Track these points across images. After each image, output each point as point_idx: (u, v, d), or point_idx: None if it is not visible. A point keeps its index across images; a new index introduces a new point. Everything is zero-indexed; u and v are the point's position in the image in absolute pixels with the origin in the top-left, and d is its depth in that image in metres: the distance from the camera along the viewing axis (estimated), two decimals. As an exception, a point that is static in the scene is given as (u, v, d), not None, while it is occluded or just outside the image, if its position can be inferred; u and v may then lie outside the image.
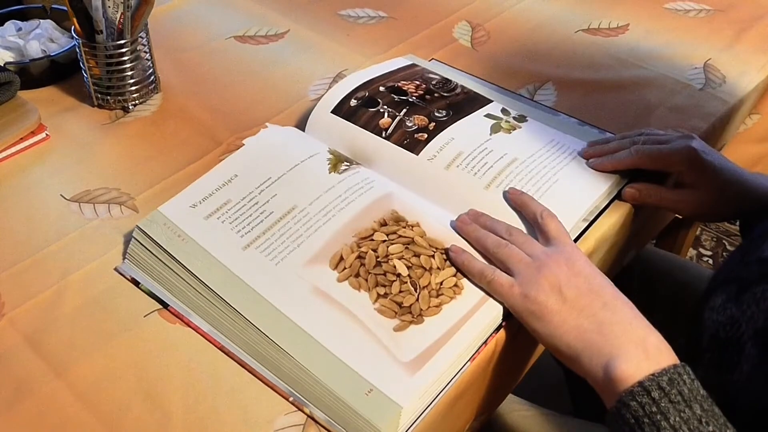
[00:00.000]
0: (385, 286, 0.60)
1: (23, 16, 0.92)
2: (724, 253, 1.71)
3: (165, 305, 0.62)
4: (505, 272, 0.60)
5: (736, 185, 0.70)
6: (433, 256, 0.62)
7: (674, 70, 0.92)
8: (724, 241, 1.74)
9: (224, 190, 0.67)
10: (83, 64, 0.81)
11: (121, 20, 0.78)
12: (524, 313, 0.58)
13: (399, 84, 0.80)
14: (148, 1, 0.80)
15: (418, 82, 0.80)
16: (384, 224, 0.64)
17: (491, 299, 0.60)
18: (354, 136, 0.74)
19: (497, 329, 0.60)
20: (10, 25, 0.89)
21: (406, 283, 0.60)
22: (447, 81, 0.82)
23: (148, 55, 0.84)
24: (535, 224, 0.64)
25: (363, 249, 0.62)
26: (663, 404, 0.49)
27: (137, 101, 0.85)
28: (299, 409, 0.55)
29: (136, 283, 0.63)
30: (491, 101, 0.80)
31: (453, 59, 0.93)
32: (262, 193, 0.67)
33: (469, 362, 0.58)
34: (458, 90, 0.81)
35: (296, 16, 1.01)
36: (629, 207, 0.72)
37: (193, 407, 0.55)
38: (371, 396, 0.54)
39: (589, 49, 0.96)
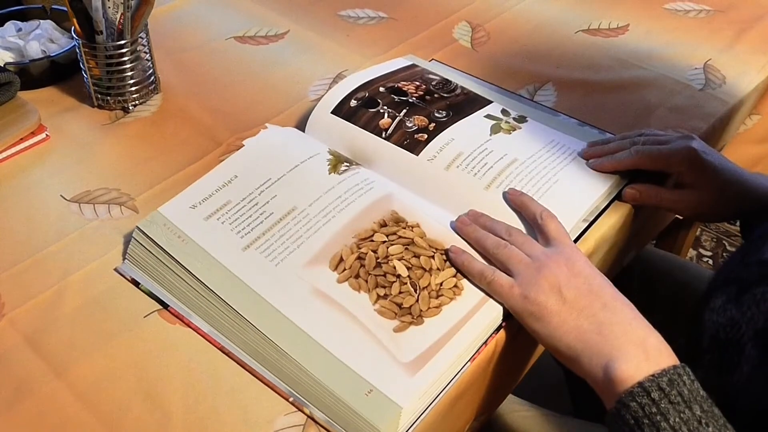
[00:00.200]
0: (385, 287, 0.60)
1: (23, 16, 0.92)
2: (724, 254, 1.71)
3: (165, 306, 0.62)
4: (505, 273, 0.60)
5: (736, 185, 0.70)
6: (433, 257, 0.62)
7: (674, 71, 0.92)
8: (724, 242, 1.74)
9: (224, 190, 0.67)
10: (83, 64, 0.81)
11: (121, 21, 0.78)
12: (524, 313, 0.58)
13: (399, 85, 0.80)
14: (148, 2, 0.80)
15: (418, 83, 0.80)
16: (384, 225, 0.64)
17: (491, 300, 0.60)
18: (354, 136, 0.74)
19: (497, 330, 0.60)
20: (10, 26, 0.89)
21: (406, 284, 0.60)
22: (447, 82, 0.82)
23: (148, 55, 0.84)
24: (535, 225, 0.64)
25: (363, 250, 0.62)
26: (663, 405, 0.49)
27: (137, 102, 0.85)
28: (299, 410, 0.55)
29: (136, 283, 0.63)
30: (491, 102, 0.80)
31: (453, 60, 0.93)
32: (262, 194, 0.67)
33: (469, 363, 0.58)
34: (458, 91, 0.81)
35: (296, 17, 1.01)
36: (629, 207, 0.72)
37: (193, 407, 0.55)
38: (371, 396, 0.54)
39: (589, 49, 0.96)
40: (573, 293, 0.57)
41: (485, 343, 0.60)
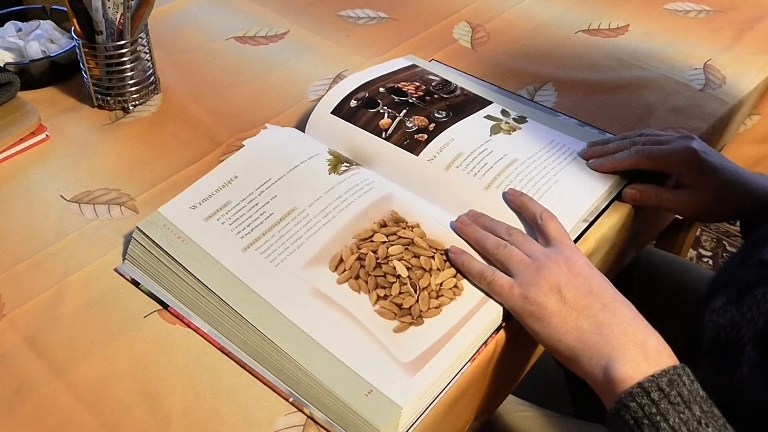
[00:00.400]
0: (384, 287, 0.60)
1: (23, 16, 0.92)
2: (724, 254, 1.71)
3: (165, 306, 0.62)
4: (505, 273, 0.60)
5: (736, 185, 0.70)
6: (433, 257, 0.62)
7: (674, 71, 0.92)
8: (724, 242, 1.74)
9: (224, 191, 0.67)
10: (83, 64, 0.81)
11: (121, 21, 0.78)
12: (524, 314, 0.58)
13: (399, 85, 0.80)
14: (148, 2, 0.80)
15: (418, 84, 0.80)
16: (384, 225, 0.64)
17: (491, 300, 0.60)
18: (354, 136, 0.74)
19: (497, 330, 0.60)
20: (10, 26, 0.89)
21: (406, 284, 0.60)
22: (447, 83, 0.82)
23: (148, 55, 0.84)
24: (535, 225, 0.64)
25: (363, 250, 0.62)
26: (662, 405, 0.49)
27: (137, 102, 0.85)
28: (299, 410, 0.55)
29: (136, 283, 0.63)
30: (491, 102, 0.80)
31: (453, 60, 0.93)
32: (262, 195, 0.67)
33: (469, 363, 0.58)
34: (458, 92, 0.81)
35: (296, 17, 1.01)
36: (629, 208, 0.72)
37: (193, 408, 0.55)
38: (371, 397, 0.54)
39: (590, 49, 0.96)
40: (573, 293, 0.57)
41: (485, 343, 0.60)
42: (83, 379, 0.57)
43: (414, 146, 0.72)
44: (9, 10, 0.92)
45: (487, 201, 0.68)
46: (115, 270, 0.65)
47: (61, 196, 0.73)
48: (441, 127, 0.74)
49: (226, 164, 0.71)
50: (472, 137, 0.73)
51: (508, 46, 0.97)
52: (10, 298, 0.63)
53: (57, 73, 0.86)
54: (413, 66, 0.85)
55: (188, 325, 0.60)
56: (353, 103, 0.77)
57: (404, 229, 0.64)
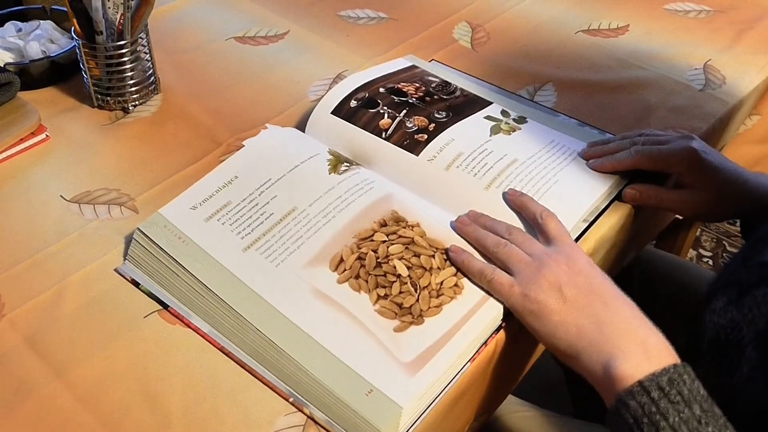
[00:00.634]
0: (385, 287, 0.60)
1: (23, 16, 0.92)
2: (724, 254, 1.71)
3: (165, 306, 0.62)
4: (506, 272, 0.60)
5: (736, 185, 0.70)
6: (433, 256, 0.62)
7: (674, 71, 0.92)
8: (724, 242, 1.74)
9: (224, 191, 0.67)
10: (83, 64, 0.81)
11: (121, 21, 0.78)
12: (524, 312, 0.58)
13: (399, 86, 0.80)
14: (148, 2, 0.80)
15: (417, 85, 0.80)
16: (384, 225, 0.64)
17: (491, 299, 0.60)
18: (354, 136, 0.74)
19: (497, 330, 0.60)
20: (10, 26, 0.89)
21: (407, 283, 0.60)
22: (447, 84, 0.82)
23: (148, 56, 0.84)
24: (535, 224, 0.64)
25: (363, 250, 0.62)
26: (662, 404, 0.49)
27: (137, 102, 0.85)
28: (299, 410, 0.55)
29: (136, 284, 0.63)
30: (491, 103, 0.80)
31: (453, 60, 0.93)
32: (262, 195, 0.67)
33: (469, 363, 0.58)
34: (458, 93, 0.81)
35: (296, 17, 1.01)
36: (629, 208, 0.72)
37: (193, 408, 0.55)
38: (371, 396, 0.54)
39: (590, 50, 0.96)
40: (573, 292, 0.57)
41: (485, 343, 0.60)
42: (83, 379, 0.57)
43: (414, 146, 0.72)
44: (9, 10, 0.92)
45: (487, 201, 0.68)
46: (115, 270, 0.65)
47: (61, 196, 0.73)
48: (441, 127, 0.74)
49: (226, 164, 0.71)
50: (472, 137, 0.74)
51: (508, 46, 0.97)
52: (10, 298, 0.63)
53: (57, 73, 0.86)
54: (413, 67, 0.85)
55: (188, 325, 0.60)
56: (353, 103, 0.77)
57: (404, 228, 0.64)
